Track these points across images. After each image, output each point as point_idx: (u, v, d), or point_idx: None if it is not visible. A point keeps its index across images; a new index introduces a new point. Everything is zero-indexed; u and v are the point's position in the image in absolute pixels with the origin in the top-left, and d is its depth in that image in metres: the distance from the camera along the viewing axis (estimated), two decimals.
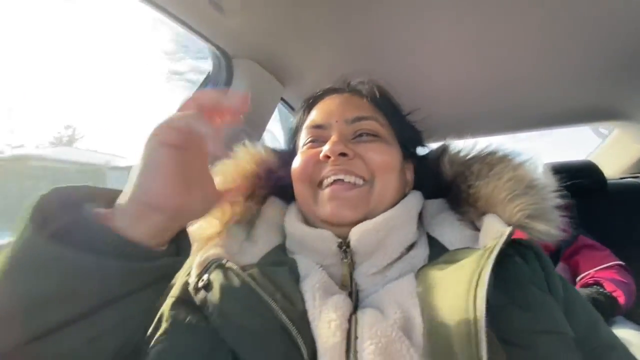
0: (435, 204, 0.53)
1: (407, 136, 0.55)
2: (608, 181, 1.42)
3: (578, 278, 1.07)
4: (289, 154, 0.58)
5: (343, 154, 0.46)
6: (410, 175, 0.54)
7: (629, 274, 1.02)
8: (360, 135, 0.50)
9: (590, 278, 1.03)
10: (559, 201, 0.44)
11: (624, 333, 0.85)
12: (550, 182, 0.45)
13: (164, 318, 0.39)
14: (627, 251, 1.10)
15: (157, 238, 0.33)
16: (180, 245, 0.37)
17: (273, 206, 0.55)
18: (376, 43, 0.87)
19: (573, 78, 1.09)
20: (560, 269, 1.12)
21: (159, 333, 0.37)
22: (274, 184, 0.56)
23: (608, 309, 0.92)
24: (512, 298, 0.36)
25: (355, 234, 0.43)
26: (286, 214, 0.53)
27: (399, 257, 0.45)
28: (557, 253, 1.09)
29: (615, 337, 0.40)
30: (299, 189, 0.50)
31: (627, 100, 1.28)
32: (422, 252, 0.45)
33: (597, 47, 0.91)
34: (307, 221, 0.51)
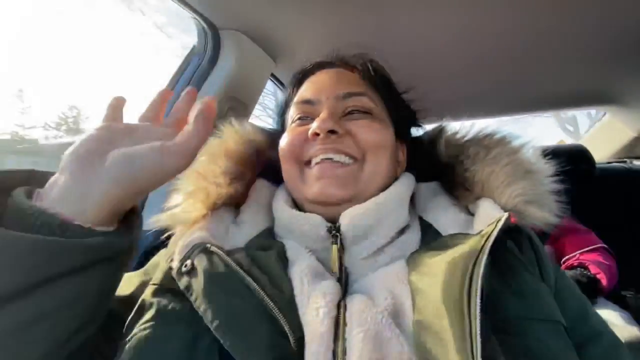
0: (429, 187, 0.52)
1: (401, 115, 0.53)
2: (597, 165, 1.44)
3: (563, 260, 1.10)
4: (279, 134, 0.55)
5: (333, 132, 0.44)
6: (403, 156, 0.53)
7: (611, 257, 1.05)
8: (352, 112, 0.47)
9: (575, 260, 1.05)
10: (556, 186, 0.43)
11: (606, 314, 0.88)
12: (547, 167, 0.44)
13: (146, 306, 0.38)
14: (611, 233, 1.13)
15: (97, 215, 0.30)
16: (128, 226, 0.34)
17: (261, 188, 0.53)
18: (372, 17, 0.82)
19: (567, 62, 1.08)
20: (547, 251, 1.14)
21: (142, 321, 0.36)
22: (262, 165, 0.54)
23: (591, 291, 0.95)
24: (506, 285, 0.35)
25: (345, 219, 0.42)
26: (274, 196, 0.51)
27: (390, 242, 0.44)
28: (543, 235, 1.11)
29: (604, 324, 0.40)
30: (286, 168, 0.48)
31: (619, 86, 1.29)
32: (414, 236, 0.44)
33: (591, 33, 0.91)
34: (296, 203, 0.49)
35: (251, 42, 0.87)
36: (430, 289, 0.33)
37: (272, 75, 1.04)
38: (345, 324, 0.33)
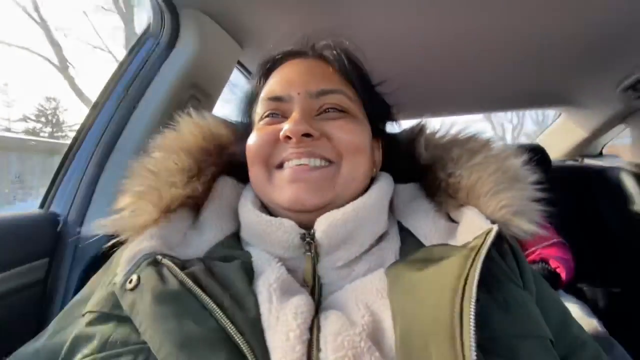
0: (408, 189, 0.49)
1: (376, 110, 0.49)
2: (552, 163, 1.52)
3: (524, 254, 1.14)
4: (245, 127, 0.50)
5: (307, 135, 0.39)
6: (378, 155, 0.49)
7: (568, 251, 1.11)
8: (326, 110, 0.43)
9: (537, 255, 1.09)
10: (539, 194, 0.41)
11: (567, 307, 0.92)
12: (530, 173, 0.43)
13: (82, 339, 0.33)
14: (564, 228, 1.19)
15: None
16: None
17: (225, 187, 0.47)
18: (348, 2, 0.78)
19: (524, 65, 1.11)
20: None
21: (79, 356, 0.31)
22: (225, 161, 0.48)
23: (552, 284, 0.99)
24: (491, 298, 0.33)
25: (321, 225, 0.38)
26: (241, 197, 0.45)
27: (368, 249, 0.41)
28: None
29: (582, 330, 0.40)
30: (253, 171, 0.43)
31: (573, 88, 1.35)
32: (393, 244, 0.41)
33: (548, 37, 0.93)
34: (266, 206, 0.44)
35: (216, 24, 0.79)
36: (414, 310, 0.30)
37: (239, 62, 0.97)
38: (319, 349, 0.29)
